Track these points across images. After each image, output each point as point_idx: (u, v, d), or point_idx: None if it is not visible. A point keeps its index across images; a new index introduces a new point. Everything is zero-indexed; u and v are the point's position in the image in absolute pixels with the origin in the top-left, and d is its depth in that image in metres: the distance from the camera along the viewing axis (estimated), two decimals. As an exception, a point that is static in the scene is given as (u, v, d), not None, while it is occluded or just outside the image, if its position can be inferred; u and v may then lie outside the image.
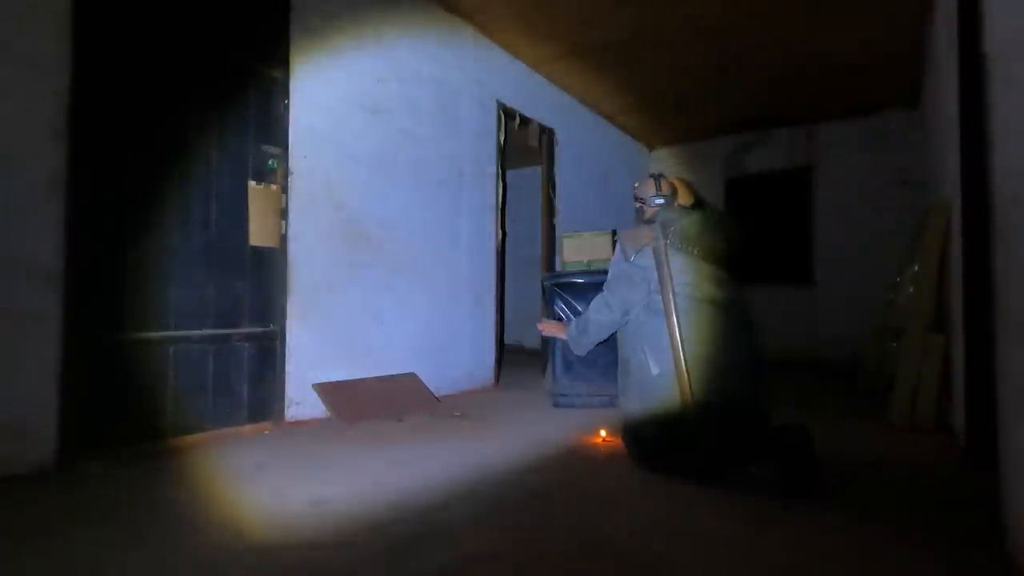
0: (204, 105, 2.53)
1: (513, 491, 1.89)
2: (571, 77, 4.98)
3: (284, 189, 2.82)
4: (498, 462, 2.21)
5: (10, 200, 1.91)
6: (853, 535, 1.53)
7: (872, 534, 1.54)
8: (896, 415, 2.89)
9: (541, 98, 4.93)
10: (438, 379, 3.64)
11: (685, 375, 1.92)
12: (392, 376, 3.35)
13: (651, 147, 7.12)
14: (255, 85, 2.72)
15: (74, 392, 2.05)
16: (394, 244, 3.46)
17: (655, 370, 2.00)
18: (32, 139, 1.97)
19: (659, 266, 2.03)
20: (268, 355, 2.75)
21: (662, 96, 5.43)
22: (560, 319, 3.41)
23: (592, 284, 3.22)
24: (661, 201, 2.19)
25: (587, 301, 2.46)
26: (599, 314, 2.24)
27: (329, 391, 2.91)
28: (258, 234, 2.71)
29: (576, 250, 3.82)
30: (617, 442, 2.38)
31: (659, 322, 2.02)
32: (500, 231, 4.44)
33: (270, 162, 2.78)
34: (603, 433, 2.59)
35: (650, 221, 2.22)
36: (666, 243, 2.05)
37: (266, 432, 2.65)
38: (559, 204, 5.14)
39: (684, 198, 2.23)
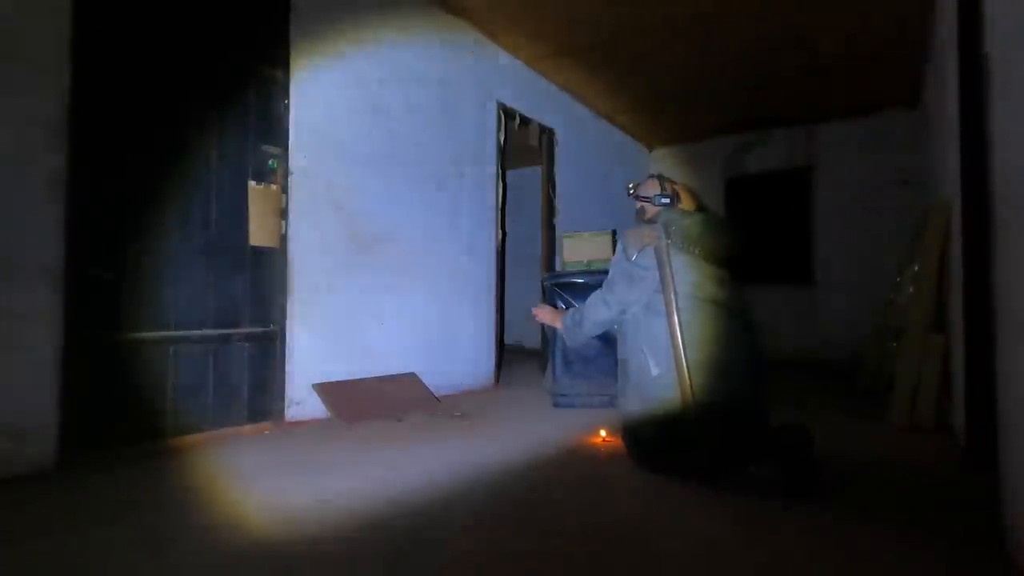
0: (204, 105, 2.53)
1: (513, 490, 1.89)
2: (571, 77, 4.98)
3: (284, 189, 2.82)
4: (498, 461, 2.21)
5: (10, 200, 1.91)
6: (853, 535, 1.53)
7: (872, 534, 1.54)
8: (896, 415, 2.89)
9: (541, 98, 4.93)
10: (438, 379, 3.64)
11: (686, 375, 1.91)
12: (392, 376, 3.35)
13: (651, 147, 7.12)
14: (255, 85, 2.72)
15: (74, 392, 2.05)
16: (394, 244, 3.46)
17: (655, 370, 2.00)
18: (32, 139, 1.97)
19: (661, 266, 2.03)
20: (268, 355, 2.75)
21: (662, 96, 5.43)
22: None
23: (592, 284, 3.21)
24: (667, 201, 2.19)
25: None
26: (596, 310, 2.24)
27: (329, 391, 2.92)
28: (258, 234, 2.71)
29: (576, 250, 3.82)
30: (617, 442, 2.38)
31: (659, 322, 2.01)
32: (500, 231, 4.44)
33: (270, 162, 2.78)
34: (603, 433, 2.59)
35: (651, 221, 2.22)
36: (668, 243, 2.05)
37: (266, 432, 2.65)
38: (559, 204, 5.14)
39: (687, 204, 2.23)
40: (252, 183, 2.70)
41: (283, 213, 2.82)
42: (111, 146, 2.21)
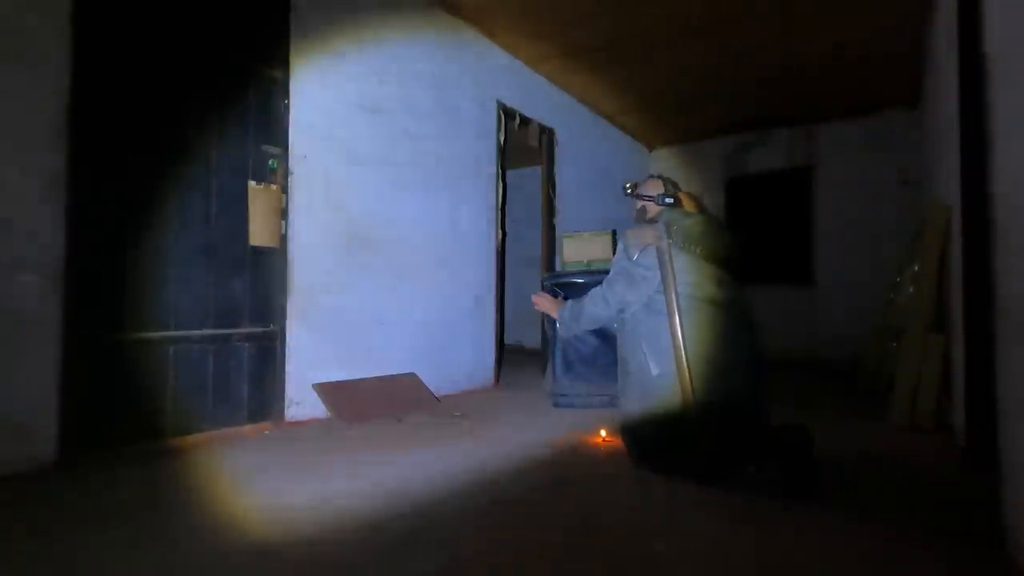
0: (204, 105, 2.53)
1: (513, 490, 1.89)
2: (571, 77, 4.98)
3: (284, 189, 2.82)
4: (498, 461, 2.21)
5: (10, 200, 1.91)
6: (853, 535, 1.53)
7: (872, 534, 1.54)
8: (896, 415, 2.89)
9: (541, 98, 4.93)
10: (438, 379, 3.64)
11: (687, 375, 1.92)
12: (392, 376, 3.35)
13: (651, 147, 7.12)
14: (255, 85, 2.72)
15: (74, 392, 2.05)
16: (394, 244, 3.46)
17: (655, 370, 2.00)
18: (32, 139, 1.97)
19: (662, 266, 2.03)
20: (268, 355, 2.75)
21: (662, 96, 5.43)
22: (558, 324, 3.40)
23: (592, 284, 3.20)
24: (671, 201, 2.19)
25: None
26: (595, 306, 2.24)
27: (329, 391, 2.92)
28: (258, 234, 2.71)
29: (576, 250, 3.82)
30: (617, 442, 2.38)
31: (659, 322, 2.01)
32: (500, 231, 4.44)
33: (270, 162, 2.78)
34: (603, 433, 2.59)
35: (653, 220, 2.22)
36: (670, 243, 2.05)
37: (266, 432, 2.65)
38: (559, 204, 5.14)
39: (688, 207, 2.23)
40: (252, 183, 2.70)
41: (283, 213, 2.82)
42: (111, 146, 2.21)
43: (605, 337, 3.36)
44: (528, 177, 6.67)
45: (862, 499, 1.84)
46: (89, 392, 2.10)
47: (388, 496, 1.79)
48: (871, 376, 3.99)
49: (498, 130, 4.37)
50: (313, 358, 2.92)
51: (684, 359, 1.93)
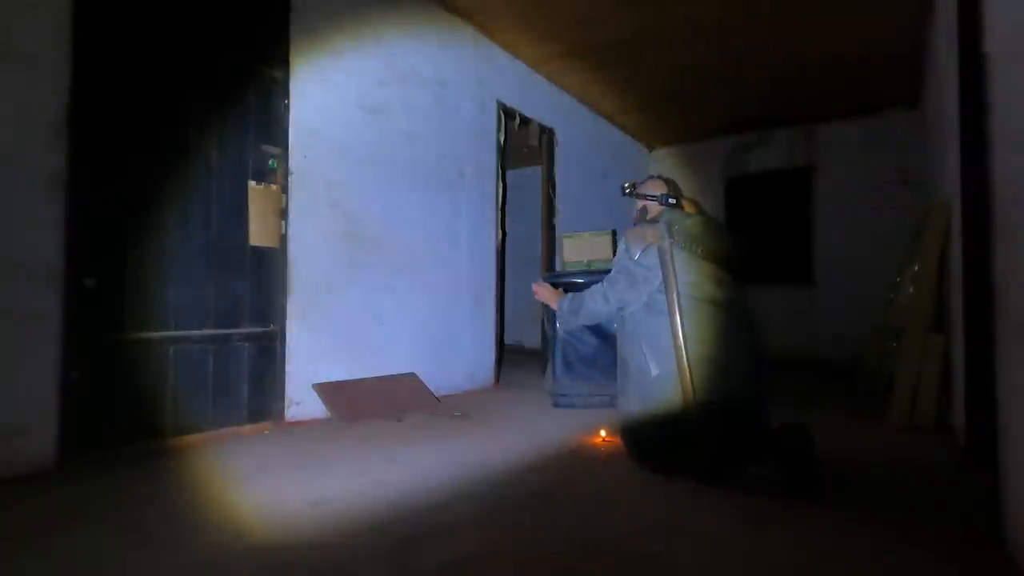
0: (204, 105, 2.53)
1: (513, 491, 1.89)
2: (571, 77, 4.98)
3: (284, 189, 2.82)
4: (498, 462, 2.21)
5: (10, 200, 1.91)
6: (853, 535, 1.53)
7: (872, 534, 1.54)
8: (896, 415, 2.89)
9: (541, 98, 4.93)
10: (438, 379, 3.64)
11: (687, 375, 1.92)
12: (392, 376, 3.35)
13: (651, 147, 7.11)
14: (255, 85, 2.72)
15: (74, 392, 2.05)
16: (394, 244, 3.46)
17: (655, 371, 2.00)
18: (32, 139, 1.97)
19: (664, 266, 2.03)
20: (268, 355, 2.75)
21: (662, 96, 5.43)
22: (558, 324, 3.41)
23: (592, 284, 3.22)
24: (674, 202, 2.19)
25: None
26: (595, 303, 2.24)
27: (329, 391, 2.91)
28: (258, 234, 2.71)
29: (576, 250, 3.82)
30: (617, 442, 2.38)
31: (658, 322, 2.01)
32: (500, 231, 4.44)
33: (270, 162, 2.78)
34: (603, 433, 2.59)
35: (654, 220, 2.22)
36: (671, 242, 2.05)
37: (266, 432, 2.65)
38: (559, 204, 5.14)
39: (689, 209, 2.24)
40: (252, 183, 2.70)
41: (283, 213, 2.82)
42: (111, 146, 2.21)
43: (605, 337, 3.36)
44: (528, 177, 6.67)
45: (862, 499, 1.84)
46: (89, 392, 2.10)
47: (388, 496, 1.79)
48: (871, 376, 3.99)
49: (498, 130, 4.37)
50: (313, 358, 2.92)
51: (685, 359, 1.93)
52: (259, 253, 2.72)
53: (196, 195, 2.49)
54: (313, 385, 2.89)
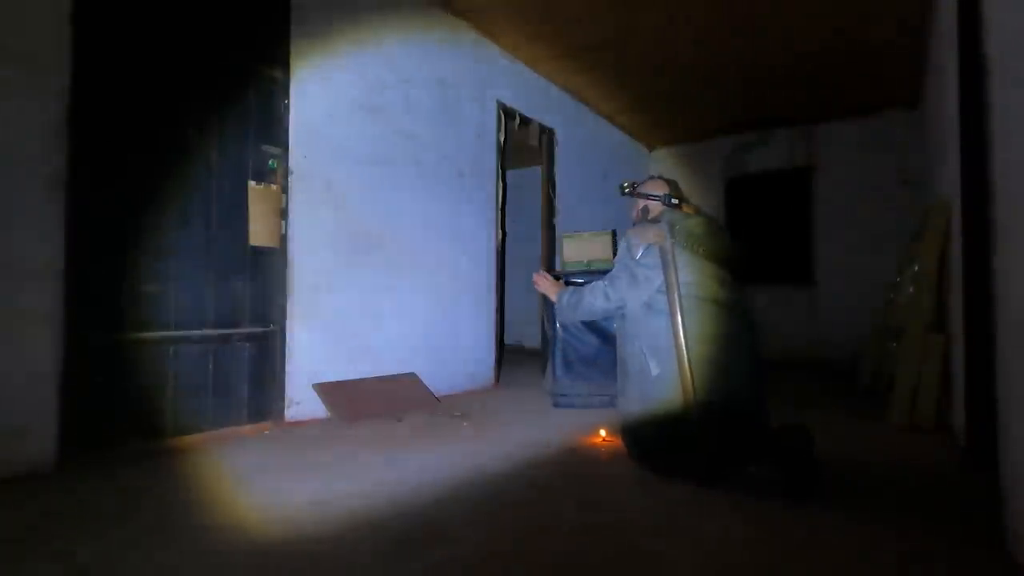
0: (204, 105, 2.53)
1: (513, 490, 1.89)
2: (571, 77, 4.98)
3: (284, 189, 2.82)
4: (498, 461, 2.21)
5: (10, 200, 1.91)
6: (853, 535, 1.53)
7: (872, 534, 1.54)
8: (896, 415, 2.89)
9: (541, 98, 4.93)
10: (438, 379, 3.64)
11: (688, 375, 1.91)
12: (392, 376, 3.35)
13: (651, 147, 7.11)
14: (255, 85, 2.72)
15: (74, 392, 2.05)
16: (394, 244, 3.46)
17: (655, 370, 2.00)
18: (32, 139, 1.97)
19: (666, 266, 2.03)
20: (268, 355, 2.75)
21: (662, 96, 5.43)
22: (558, 324, 3.42)
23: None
24: (676, 202, 2.19)
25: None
26: (595, 299, 2.24)
27: (329, 391, 2.92)
28: (258, 234, 2.71)
29: (576, 250, 3.82)
30: (617, 442, 2.38)
31: (659, 322, 2.01)
32: (500, 231, 4.44)
33: (270, 162, 2.78)
34: (603, 433, 2.59)
35: (655, 220, 2.22)
36: (673, 242, 2.05)
37: (266, 432, 2.65)
38: (559, 204, 5.14)
39: (688, 210, 2.24)
40: (252, 183, 2.70)
41: (283, 213, 2.82)
42: (111, 146, 2.21)
43: (605, 337, 3.36)
44: (528, 177, 6.67)
45: (862, 499, 1.84)
46: (89, 392, 2.10)
47: (388, 496, 1.79)
48: (871, 376, 3.99)
49: (498, 130, 4.37)
50: (313, 358, 2.92)
51: (686, 359, 1.93)
52: (259, 253, 2.72)
53: (196, 195, 2.49)
54: (313, 385, 2.89)
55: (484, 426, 2.85)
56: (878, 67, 4.62)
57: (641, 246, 2.11)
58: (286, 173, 2.83)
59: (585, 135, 5.60)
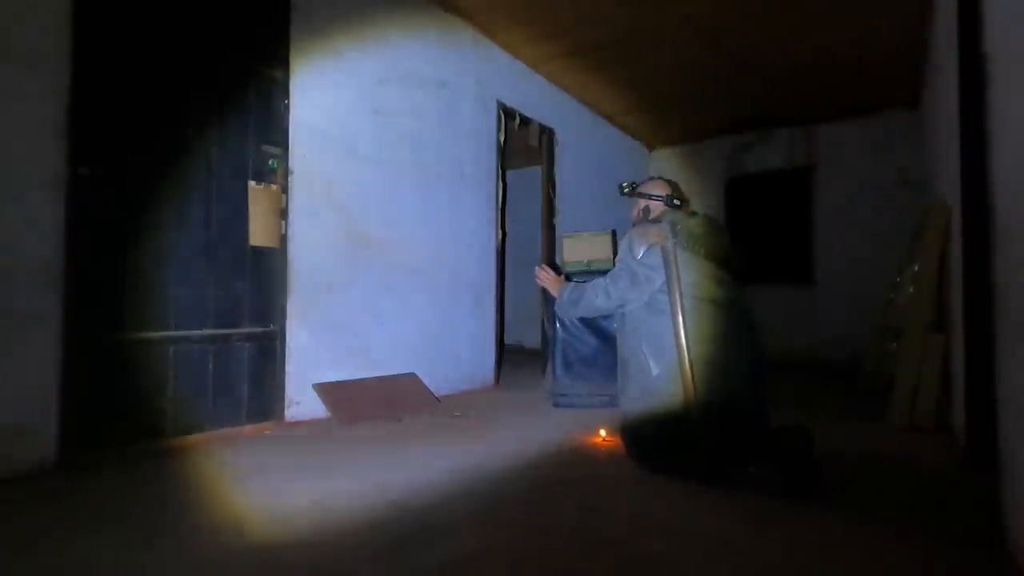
0: (204, 105, 2.53)
1: (513, 490, 1.89)
2: (571, 77, 4.98)
3: (284, 189, 2.82)
4: (498, 461, 2.21)
5: (10, 200, 1.91)
6: (853, 535, 1.53)
7: (872, 534, 1.54)
8: (896, 415, 2.89)
9: (541, 98, 4.93)
10: (438, 379, 3.64)
11: (689, 375, 1.91)
12: (392, 376, 3.35)
13: (651, 147, 7.11)
14: (255, 85, 2.72)
15: (74, 392, 2.04)
16: (394, 244, 3.46)
17: (655, 370, 2.00)
18: (32, 139, 1.97)
19: (667, 266, 2.03)
20: (268, 355, 2.75)
21: (662, 96, 5.43)
22: (558, 324, 3.42)
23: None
24: (678, 202, 2.20)
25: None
26: (596, 297, 2.25)
27: (329, 391, 2.92)
28: (258, 234, 2.71)
29: (576, 250, 3.82)
30: (617, 442, 2.38)
31: (659, 321, 2.02)
32: (500, 231, 4.44)
33: (270, 162, 2.78)
34: (603, 433, 2.59)
35: (656, 220, 2.22)
36: (674, 242, 2.05)
37: (266, 432, 2.65)
38: (559, 204, 5.14)
39: (687, 211, 2.25)
40: (252, 183, 2.70)
41: (283, 213, 2.82)
42: (111, 146, 2.21)
43: (605, 337, 3.36)
44: (528, 177, 6.67)
45: (862, 499, 1.84)
46: (89, 392, 2.10)
47: (388, 496, 1.79)
48: (871, 376, 3.99)
49: (498, 130, 4.37)
50: (313, 358, 2.92)
51: (687, 359, 1.93)
52: (259, 253, 2.72)
53: (196, 195, 2.49)
54: (313, 385, 2.89)
55: (484, 426, 2.85)
56: (878, 67, 4.62)
57: (643, 246, 2.11)
58: (286, 173, 2.83)
59: (585, 135, 5.60)
